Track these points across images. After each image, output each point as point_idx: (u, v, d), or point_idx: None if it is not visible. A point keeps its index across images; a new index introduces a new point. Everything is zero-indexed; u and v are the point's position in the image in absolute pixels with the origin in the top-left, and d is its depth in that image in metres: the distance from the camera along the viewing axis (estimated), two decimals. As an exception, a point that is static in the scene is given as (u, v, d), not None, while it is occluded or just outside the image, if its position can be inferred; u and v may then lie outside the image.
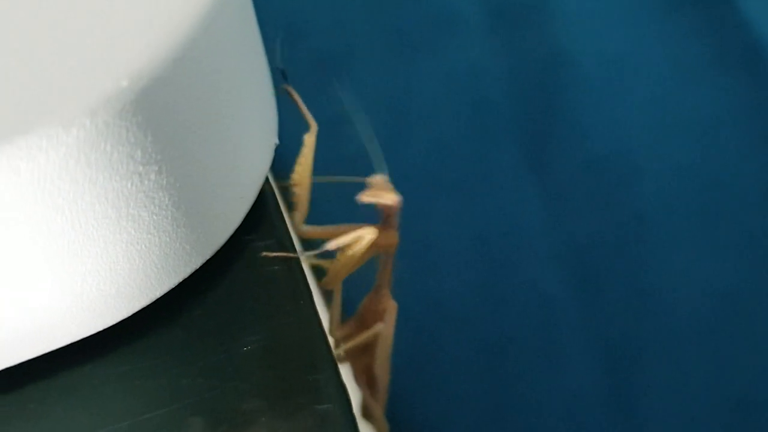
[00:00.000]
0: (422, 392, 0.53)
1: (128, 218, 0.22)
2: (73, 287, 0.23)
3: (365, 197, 0.30)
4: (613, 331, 0.53)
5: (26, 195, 0.20)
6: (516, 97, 0.56)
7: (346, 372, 0.35)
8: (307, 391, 0.23)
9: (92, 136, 0.20)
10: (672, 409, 0.51)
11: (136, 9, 0.22)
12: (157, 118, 0.21)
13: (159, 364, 0.24)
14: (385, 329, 0.33)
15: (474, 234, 0.55)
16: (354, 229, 0.30)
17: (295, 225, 0.29)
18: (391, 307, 0.33)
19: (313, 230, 0.29)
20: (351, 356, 0.34)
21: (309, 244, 0.34)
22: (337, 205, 0.31)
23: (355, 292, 0.35)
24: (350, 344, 0.33)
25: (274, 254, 0.26)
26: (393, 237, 0.31)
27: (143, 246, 0.23)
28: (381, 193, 0.30)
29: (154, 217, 0.22)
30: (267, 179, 0.27)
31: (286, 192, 0.36)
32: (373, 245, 0.31)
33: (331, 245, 0.30)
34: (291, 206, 0.30)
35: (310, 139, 0.29)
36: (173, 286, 0.24)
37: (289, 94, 0.30)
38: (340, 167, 0.33)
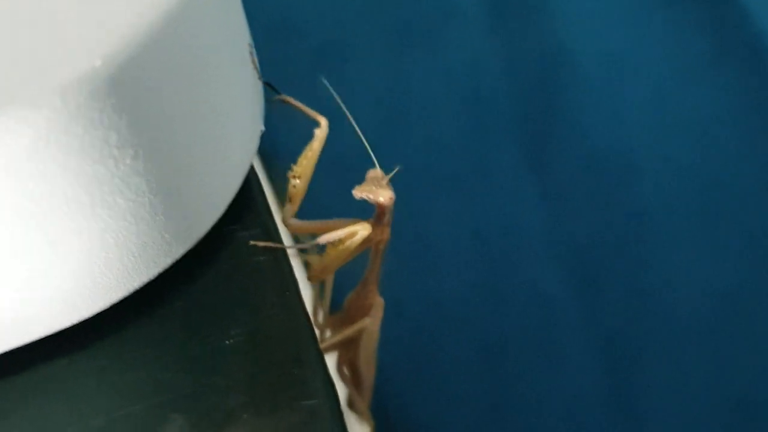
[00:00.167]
0: (420, 392, 0.52)
1: (103, 205, 0.21)
2: (46, 277, 0.22)
3: (359, 192, 0.29)
4: (612, 330, 0.52)
5: (-7, 179, 0.19)
6: (515, 94, 0.55)
7: (331, 365, 0.34)
8: (293, 385, 0.22)
9: (63, 118, 0.19)
10: (672, 409, 0.51)
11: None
12: (132, 100, 0.20)
13: (137, 358, 0.23)
14: (371, 325, 0.32)
15: (473, 233, 0.54)
16: (342, 224, 0.29)
17: (283, 218, 0.28)
18: (377, 303, 0.32)
19: (300, 225, 0.29)
20: (335, 350, 0.33)
21: (297, 236, 0.33)
22: (333, 199, 0.30)
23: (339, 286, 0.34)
24: (334, 338, 0.32)
25: (263, 244, 0.25)
26: (385, 233, 0.31)
27: (120, 234, 0.22)
28: (376, 189, 0.29)
29: (131, 204, 0.21)
30: (252, 167, 0.26)
31: (275, 182, 0.35)
32: (365, 240, 0.30)
33: (323, 239, 0.29)
34: (283, 197, 0.29)
35: (321, 134, 0.28)
36: (153, 277, 0.23)
37: (286, 103, 0.29)
38: (336, 162, 0.32)
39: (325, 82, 0.31)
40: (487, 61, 0.55)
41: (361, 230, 0.29)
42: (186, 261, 0.24)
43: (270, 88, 0.28)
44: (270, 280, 0.24)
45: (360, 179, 0.30)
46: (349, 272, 0.32)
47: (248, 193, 0.26)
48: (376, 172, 0.30)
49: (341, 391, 0.36)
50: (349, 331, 0.31)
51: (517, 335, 0.53)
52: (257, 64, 0.26)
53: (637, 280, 0.53)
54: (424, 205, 0.54)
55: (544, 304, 0.53)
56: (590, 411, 0.51)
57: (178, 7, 0.21)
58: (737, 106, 0.54)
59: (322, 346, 0.32)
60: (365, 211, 0.31)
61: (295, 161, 0.29)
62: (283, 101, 0.29)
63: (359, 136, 0.30)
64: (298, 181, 0.28)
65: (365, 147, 0.31)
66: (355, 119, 0.31)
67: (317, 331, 0.33)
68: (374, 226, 0.30)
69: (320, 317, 0.34)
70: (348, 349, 0.33)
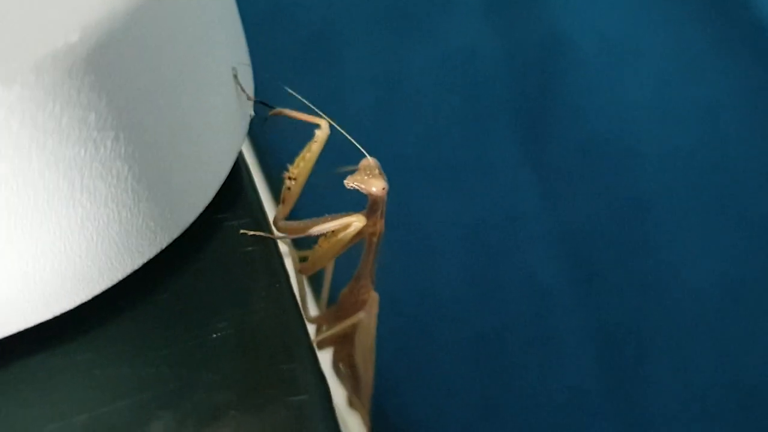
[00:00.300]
0: (415, 385, 0.51)
1: (83, 190, 0.20)
2: (24, 267, 0.21)
3: (351, 182, 0.28)
4: (611, 321, 0.51)
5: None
6: (513, 82, 0.54)
7: (326, 362, 0.33)
8: (282, 381, 0.21)
9: (38, 96, 0.18)
10: (672, 402, 0.50)
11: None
12: (113, 79, 0.19)
13: (121, 352, 0.22)
14: (365, 319, 0.31)
15: (469, 223, 0.54)
16: (333, 219, 0.28)
17: (274, 220, 0.26)
18: (372, 298, 0.31)
19: (291, 226, 0.27)
20: (330, 346, 0.32)
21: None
22: (327, 193, 0.29)
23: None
24: (327, 333, 0.31)
25: (253, 233, 0.24)
26: (378, 225, 0.29)
27: (101, 222, 0.21)
28: (368, 179, 0.28)
29: (112, 189, 0.20)
30: (242, 153, 0.25)
31: (269, 173, 0.34)
32: (358, 232, 0.29)
33: (315, 230, 0.28)
34: (278, 191, 0.28)
35: (321, 135, 0.27)
36: (137, 268, 0.22)
37: (283, 114, 0.28)
38: (331, 154, 0.31)
39: (287, 88, 0.30)
40: (485, 49, 0.55)
41: (355, 222, 0.28)
42: (172, 251, 0.23)
43: (264, 105, 0.27)
44: (259, 271, 0.23)
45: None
46: (346, 266, 0.31)
47: (237, 181, 0.25)
48: (368, 161, 0.29)
49: (338, 389, 0.35)
50: (342, 326, 0.30)
51: (513, 326, 0.53)
52: (243, 88, 0.25)
53: (636, 269, 0.53)
54: (419, 195, 0.53)
55: (540, 294, 0.53)
56: (588, 403, 0.51)
57: (162, -18, 0.20)
58: (738, 91, 0.53)
59: (316, 341, 0.31)
60: (360, 205, 0.30)
61: (292, 154, 0.28)
62: (280, 114, 0.28)
63: (340, 130, 0.29)
64: (293, 183, 0.27)
65: (353, 140, 0.29)
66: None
67: (313, 327, 0.32)
68: (367, 217, 0.29)
69: (315, 311, 0.33)
70: (343, 345, 0.32)
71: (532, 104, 0.54)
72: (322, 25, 0.54)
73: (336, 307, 0.32)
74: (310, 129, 0.28)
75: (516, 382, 0.52)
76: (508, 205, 0.54)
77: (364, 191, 0.28)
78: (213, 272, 0.23)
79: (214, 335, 0.22)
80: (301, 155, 0.27)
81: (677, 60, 0.55)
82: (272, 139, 0.28)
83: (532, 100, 0.54)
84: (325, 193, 0.29)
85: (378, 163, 0.29)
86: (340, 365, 0.33)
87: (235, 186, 0.25)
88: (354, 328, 0.31)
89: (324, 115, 0.27)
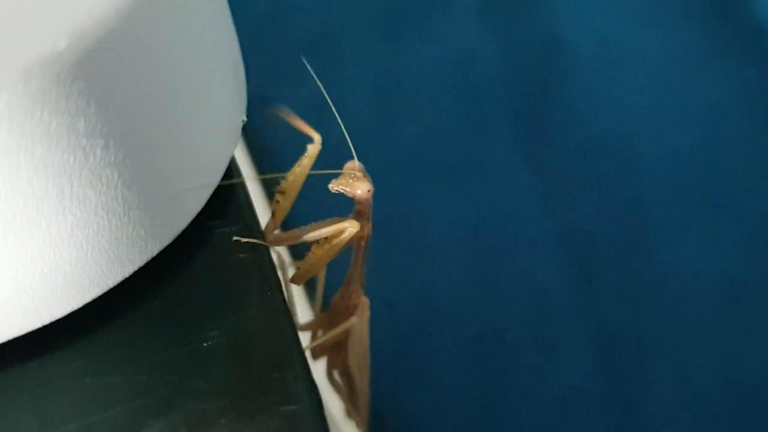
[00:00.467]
0: (414, 385, 0.51)
1: (72, 197, 0.20)
2: (13, 275, 0.20)
3: (335, 186, 0.28)
4: (611, 321, 0.51)
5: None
6: (512, 82, 0.54)
7: (319, 371, 0.32)
8: (273, 390, 0.21)
9: (26, 103, 0.18)
10: (674, 403, 0.50)
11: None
12: (102, 86, 0.19)
13: (111, 361, 0.22)
14: (357, 325, 0.30)
15: (468, 222, 0.53)
16: (324, 225, 0.28)
17: (264, 232, 0.26)
18: (363, 303, 0.30)
19: (280, 237, 0.27)
20: (324, 355, 0.32)
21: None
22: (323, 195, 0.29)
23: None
24: (320, 340, 0.31)
25: (246, 240, 0.24)
26: (365, 229, 0.29)
27: (91, 229, 0.20)
28: (352, 182, 0.28)
29: (102, 197, 0.20)
30: (234, 160, 0.25)
31: (264, 182, 0.34)
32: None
33: (309, 237, 0.28)
34: (272, 196, 0.28)
35: (313, 150, 0.27)
36: (128, 276, 0.22)
37: (282, 116, 0.27)
38: (324, 155, 0.30)
39: (306, 63, 0.30)
40: (484, 50, 0.55)
41: (349, 227, 0.28)
42: (163, 258, 0.23)
43: (262, 103, 0.27)
44: (251, 278, 0.23)
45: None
46: (337, 271, 0.31)
47: (229, 187, 0.24)
48: (353, 164, 0.28)
49: (333, 399, 0.35)
50: (333, 333, 0.30)
51: (511, 328, 0.53)
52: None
53: (635, 270, 0.53)
54: (418, 196, 0.53)
55: (539, 296, 0.53)
56: (588, 403, 0.51)
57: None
58: (737, 92, 0.53)
59: (309, 349, 0.31)
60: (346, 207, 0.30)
61: (286, 159, 0.27)
62: (279, 116, 0.27)
63: (341, 126, 0.29)
64: (283, 197, 0.27)
65: (348, 139, 0.29)
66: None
67: (308, 334, 0.32)
68: (358, 222, 0.29)
69: (308, 319, 0.32)
70: (337, 353, 0.32)
71: (532, 105, 0.54)
72: (321, 27, 0.54)
73: (328, 313, 0.31)
74: (305, 136, 0.28)
75: (515, 383, 0.52)
76: (507, 206, 0.54)
77: (349, 194, 0.28)
78: (205, 279, 0.23)
79: (206, 343, 0.22)
80: (292, 170, 0.27)
81: (676, 61, 0.54)
82: (267, 144, 0.28)
83: (531, 100, 0.54)
84: (316, 196, 0.29)
85: (362, 166, 0.29)
86: (335, 374, 0.33)
87: (228, 192, 0.24)
88: (347, 334, 0.30)
89: (314, 131, 0.27)
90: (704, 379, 0.50)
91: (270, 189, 0.31)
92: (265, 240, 0.25)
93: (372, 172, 0.30)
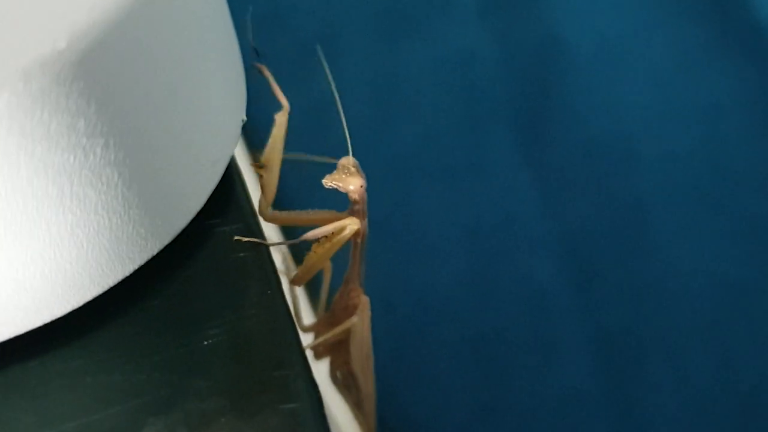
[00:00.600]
0: (413, 386, 0.51)
1: (72, 197, 0.20)
2: (14, 274, 0.20)
3: (329, 181, 0.28)
4: (610, 322, 0.51)
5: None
6: (511, 82, 0.54)
7: (320, 370, 0.32)
8: (273, 388, 0.21)
9: (26, 103, 0.18)
10: (673, 404, 0.50)
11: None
12: (102, 85, 0.19)
13: (112, 359, 0.22)
14: (358, 325, 0.30)
15: (467, 223, 0.53)
16: (324, 215, 0.28)
17: (260, 209, 0.26)
18: (363, 302, 0.30)
19: (279, 216, 0.27)
20: (326, 355, 0.32)
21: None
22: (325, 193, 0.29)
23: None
24: (321, 339, 0.31)
25: (247, 239, 0.24)
26: (362, 225, 0.29)
27: (91, 229, 0.21)
28: (345, 178, 0.28)
29: (102, 196, 0.20)
30: (234, 159, 0.25)
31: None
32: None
33: (310, 235, 0.28)
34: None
35: (281, 119, 0.27)
36: (128, 274, 0.22)
37: (261, 72, 0.27)
38: (325, 155, 0.30)
39: (320, 51, 0.30)
40: (484, 50, 0.54)
41: (349, 224, 0.28)
42: (164, 257, 0.23)
43: (255, 53, 0.27)
44: (251, 277, 0.23)
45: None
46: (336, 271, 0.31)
47: (229, 186, 0.24)
48: (348, 159, 0.29)
49: (334, 398, 0.34)
50: (335, 332, 0.30)
51: (514, 328, 0.52)
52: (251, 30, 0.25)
53: (634, 271, 0.53)
54: (418, 196, 0.53)
55: (538, 296, 0.53)
56: (587, 404, 0.51)
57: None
58: (737, 92, 0.53)
59: (311, 349, 0.31)
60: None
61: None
62: (260, 71, 0.27)
63: (342, 123, 0.29)
64: (266, 170, 0.27)
65: (347, 135, 0.29)
66: (347, 110, 0.30)
67: (310, 334, 0.32)
68: (356, 218, 0.29)
69: (311, 320, 0.32)
70: (339, 353, 0.32)
71: (532, 105, 0.54)
72: (320, 27, 0.54)
73: (329, 313, 0.31)
74: (305, 135, 0.28)
75: (515, 384, 0.52)
76: (507, 206, 0.54)
77: (342, 190, 0.28)
78: (205, 278, 0.23)
79: (206, 342, 0.22)
80: (268, 142, 0.27)
81: (676, 61, 0.54)
82: (267, 144, 0.28)
83: (531, 100, 0.54)
84: (313, 191, 0.29)
85: (356, 162, 0.29)
86: (338, 375, 0.33)
87: (227, 191, 0.24)
88: (348, 334, 0.30)
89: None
90: (704, 379, 0.50)
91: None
92: (261, 216, 0.25)
93: (371, 171, 0.30)
